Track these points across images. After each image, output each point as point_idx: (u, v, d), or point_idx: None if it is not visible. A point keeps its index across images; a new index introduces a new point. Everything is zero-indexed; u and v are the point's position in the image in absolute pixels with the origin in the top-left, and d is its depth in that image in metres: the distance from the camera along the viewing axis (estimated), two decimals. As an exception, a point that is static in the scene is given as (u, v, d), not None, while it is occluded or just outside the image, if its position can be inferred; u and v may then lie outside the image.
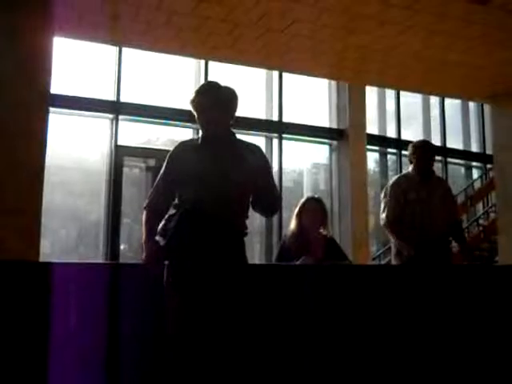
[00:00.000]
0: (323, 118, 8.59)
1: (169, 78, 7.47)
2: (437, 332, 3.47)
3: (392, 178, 4.57)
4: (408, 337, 3.40)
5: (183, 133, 7.59)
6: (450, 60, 5.90)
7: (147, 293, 2.84)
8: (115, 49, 7.01)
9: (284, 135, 8.09)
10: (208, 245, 2.59)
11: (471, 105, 10.49)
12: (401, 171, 8.43)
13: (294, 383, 3.10)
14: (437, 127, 9.93)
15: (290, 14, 4.89)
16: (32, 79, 4.39)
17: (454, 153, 9.92)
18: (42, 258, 4.97)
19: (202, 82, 7.38)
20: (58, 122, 6.39)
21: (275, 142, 8.08)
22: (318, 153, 8.84)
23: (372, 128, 8.85)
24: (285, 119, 8.14)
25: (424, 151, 4.25)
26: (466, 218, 9.64)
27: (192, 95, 2.79)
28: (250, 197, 2.76)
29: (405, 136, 9.27)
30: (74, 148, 7.08)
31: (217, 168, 2.66)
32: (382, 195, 4.34)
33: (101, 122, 7.10)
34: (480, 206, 10.25)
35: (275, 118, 8.13)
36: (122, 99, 7.07)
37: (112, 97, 7.05)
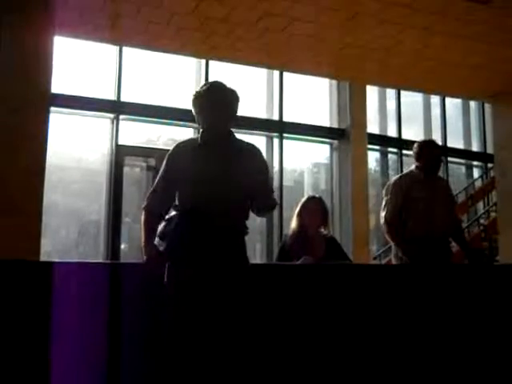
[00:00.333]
0: (324, 117, 8.59)
1: (169, 77, 7.47)
2: (437, 331, 3.47)
3: (394, 177, 4.55)
4: (408, 336, 3.40)
5: (184, 132, 7.60)
6: (450, 59, 5.90)
7: (148, 292, 2.84)
8: (116, 48, 7.01)
9: (285, 134, 8.09)
10: (208, 245, 2.59)
11: (472, 104, 10.48)
12: (401, 170, 8.43)
13: (294, 382, 3.10)
14: (437, 126, 9.92)
15: (289, 13, 4.90)
16: (33, 79, 4.40)
17: (455, 152, 9.91)
18: (43, 258, 4.98)
19: (203, 81, 7.38)
20: (59, 122, 6.39)
21: (276, 141, 8.08)
22: (319, 152, 8.84)
23: (373, 127, 8.85)
24: (285, 118, 8.13)
25: (431, 151, 4.24)
26: (467, 217, 9.64)
27: (193, 95, 2.79)
28: (248, 196, 2.76)
29: (405, 135, 9.27)
30: (75, 147, 7.08)
31: (216, 168, 2.66)
32: (384, 193, 4.32)
33: (101, 122, 7.11)
34: (481, 205, 10.25)
35: (276, 117, 8.13)
36: (123, 99, 7.07)
37: (113, 96, 7.05)
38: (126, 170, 7.05)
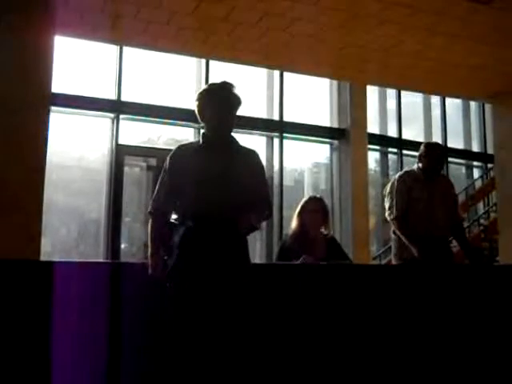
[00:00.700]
0: (324, 117, 8.59)
1: (170, 77, 7.47)
2: (437, 331, 3.47)
3: (396, 174, 4.54)
4: (409, 336, 3.41)
5: (184, 132, 7.60)
6: (451, 59, 5.90)
7: (148, 292, 2.84)
8: (116, 48, 7.01)
9: (285, 134, 8.09)
10: (212, 248, 2.60)
11: (472, 104, 10.48)
12: (402, 170, 8.42)
13: (295, 382, 3.10)
14: (438, 127, 9.92)
15: (290, 13, 4.90)
16: (33, 78, 4.40)
17: (455, 152, 9.90)
18: (43, 257, 4.98)
19: (203, 81, 7.40)
20: (59, 121, 6.39)
21: (276, 141, 8.08)
22: (319, 152, 8.84)
23: (373, 127, 8.84)
24: (286, 118, 8.13)
25: (436, 153, 4.25)
26: (467, 217, 9.63)
27: (197, 96, 2.79)
28: (251, 196, 2.76)
29: (406, 135, 9.27)
30: (75, 147, 7.08)
31: (219, 169, 2.66)
32: (388, 190, 4.31)
33: (102, 121, 7.11)
34: (481, 205, 10.25)
35: (276, 117, 8.12)
36: (123, 98, 7.07)
37: (113, 96, 7.05)
38: (126, 169, 7.05)
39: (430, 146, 4.31)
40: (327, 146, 8.62)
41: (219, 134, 2.75)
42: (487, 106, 9.63)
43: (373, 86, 8.47)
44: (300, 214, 3.99)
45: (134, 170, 7.38)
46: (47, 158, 4.51)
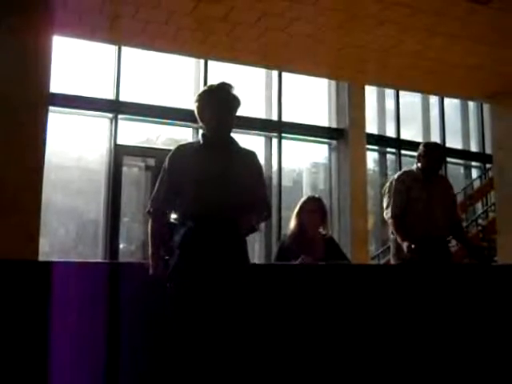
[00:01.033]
0: (323, 117, 8.60)
1: (168, 77, 7.47)
2: (436, 331, 3.47)
3: (396, 174, 4.54)
4: (407, 336, 3.41)
5: (182, 132, 7.61)
6: (450, 60, 5.91)
7: (146, 292, 2.84)
8: (115, 48, 7.01)
9: (283, 135, 8.09)
10: (212, 248, 2.60)
11: (470, 104, 10.49)
12: (400, 170, 8.42)
13: (294, 381, 3.10)
14: (436, 127, 9.94)
15: (289, 13, 4.90)
16: (32, 78, 4.40)
17: (453, 152, 9.92)
18: (42, 257, 4.98)
19: (202, 81, 7.40)
20: (58, 121, 6.39)
21: (275, 141, 8.08)
22: (318, 152, 8.84)
23: (371, 127, 8.85)
24: (284, 119, 8.14)
25: (435, 153, 4.25)
26: (465, 217, 9.64)
27: (196, 96, 2.79)
28: (250, 197, 2.76)
29: (404, 136, 9.28)
30: (74, 147, 7.08)
31: (218, 169, 2.66)
32: (386, 190, 4.31)
33: (100, 121, 7.11)
34: (479, 205, 10.26)
35: (275, 117, 8.13)
36: (122, 98, 7.07)
37: (111, 96, 7.05)
38: (124, 169, 7.05)
39: (429, 146, 4.31)
40: (326, 146, 8.63)
41: (219, 135, 2.75)
42: (485, 106, 9.64)
43: (371, 86, 8.48)
44: (298, 214, 3.99)
45: (132, 170, 7.38)
46: (46, 158, 4.50)
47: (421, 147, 4.30)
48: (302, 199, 4.10)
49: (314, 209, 3.98)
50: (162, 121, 7.43)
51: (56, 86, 5.56)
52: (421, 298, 3.48)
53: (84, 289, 2.89)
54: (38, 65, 4.47)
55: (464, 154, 10.34)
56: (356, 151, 8.24)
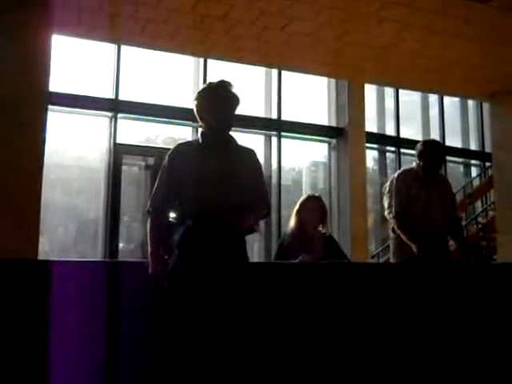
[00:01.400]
0: (322, 116, 8.58)
1: (168, 76, 7.46)
2: (436, 330, 3.47)
3: (395, 172, 4.53)
4: (407, 335, 3.41)
5: (182, 131, 7.60)
6: (449, 58, 5.91)
7: (146, 290, 2.84)
8: (114, 47, 6.99)
9: (283, 133, 8.08)
10: (211, 246, 2.60)
11: (470, 103, 10.48)
12: (400, 169, 8.42)
13: (293, 381, 3.10)
14: (436, 125, 9.92)
15: (288, 12, 4.90)
16: (31, 77, 4.39)
17: (453, 151, 9.90)
18: (41, 256, 4.97)
19: (201, 79, 7.39)
20: (57, 120, 6.39)
21: (274, 140, 8.07)
22: (317, 151, 8.83)
23: (371, 126, 8.83)
24: (284, 117, 8.12)
25: (434, 151, 4.25)
26: (465, 216, 9.64)
27: (196, 95, 2.78)
28: (250, 196, 2.76)
29: (404, 134, 9.28)
30: (73, 146, 7.07)
31: (218, 168, 2.66)
32: (387, 189, 4.31)
33: (100, 120, 7.10)
34: (479, 203, 10.25)
35: (274, 115, 8.12)
36: (121, 97, 7.06)
37: (111, 95, 7.04)
38: (124, 168, 7.04)
39: (427, 144, 4.30)
40: (325, 145, 8.61)
41: (218, 134, 2.75)
42: (485, 105, 9.63)
43: (371, 84, 8.47)
44: (298, 212, 3.99)
45: (132, 169, 7.38)
46: (45, 157, 4.50)
47: (419, 145, 4.29)
48: (302, 198, 4.10)
49: (313, 207, 3.99)
50: (162, 120, 7.42)
51: (55, 85, 5.55)
52: (420, 297, 3.48)
53: (83, 288, 2.89)
54: (37, 64, 4.47)
55: (463, 153, 10.33)
56: (356, 150, 8.23)
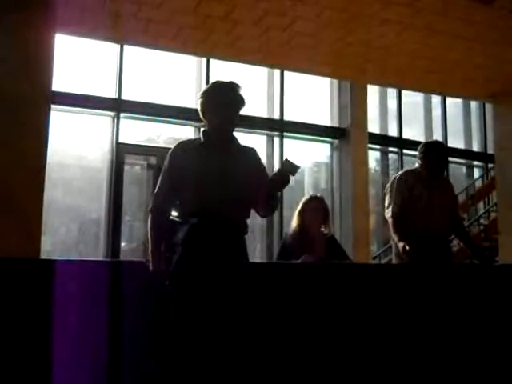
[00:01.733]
0: (325, 116, 8.59)
1: (170, 75, 7.47)
2: (437, 331, 3.47)
3: (397, 173, 4.53)
4: (408, 335, 3.41)
5: (184, 131, 7.60)
6: (450, 59, 5.90)
7: (148, 290, 2.84)
8: (117, 46, 7.01)
9: (285, 134, 8.09)
10: (212, 246, 2.60)
11: (473, 104, 10.48)
12: (402, 170, 8.42)
13: (294, 381, 3.10)
14: (438, 126, 9.92)
15: (290, 12, 4.90)
16: (33, 77, 4.39)
17: (456, 152, 9.90)
18: (43, 256, 4.98)
19: (204, 79, 7.40)
20: (60, 120, 6.39)
21: (276, 140, 8.08)
22: (320, 151, 8.84)
23: (373, 127, 8.85)
24: (286, 117, 8.13)
25: (440, 151, 4.24)
26: (467, 217, 9.63)
27: (201, 93, 2.78)
28: (251, 196, 2.76)
29: (406, 135, 9.27)
30: (75, 145, 7.09)
31: (219, 167, 2.66)
32: (388, 189, 4.31)
33: (102, 120, 7.11)
34: (481, 205, 10.24)
35: (276, 116, 8.13)
36: (124, 97, 7.07)
37: (113, 94, 7.05)
38: (126, 168, 7.05)
39: (432, 145, 4.29)
40: (328, 146, 8.62)
41: (220, 133, 2.74)
42: (488, 106, 9.62)
43: (373, 85, 8.47)
44: (300, 213, 3.99)
45: (134, 169, 7.39)
46: (47, 156, 4.50)
47: (422, 146, 4.29)
48: (304, 198, 4.10)
49: (315, 208, 3.99)
50: (164, 119, 7.43)
51: (58, 84, 5.56)
52: (422, 298, 3.48)
53: (85, 287, 2.89)
54: (39, 63, 4.47)
55: (466, 154, 10.32)
56: (358, 150, 8.24)
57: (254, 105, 7.78)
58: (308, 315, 3.21)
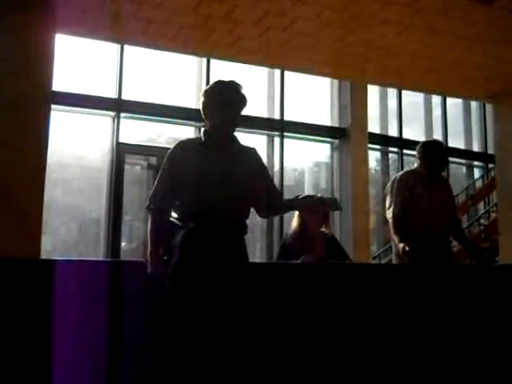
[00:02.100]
0: (325, 116, 8.59)
1: (170, 75, 7.48)
2: (437, 331, 3.47)
3: (397, 173, 4.53)
4: (409, 336, 3.41)
5: (184, 131, 7.60)
6: (451, 59, 5.90)
7: (148, 290, 2.84)
8: (117, 46, 7.01)
9: (285, 133, 8.09)
10: (211, 246, 2.60)
11: (473, 104, 10.47)
12: (402, 170, 8.42)
13: (294, 381, 3.10)
14: (438, 126, 9.92)
15: (291, 12, 4.90)
16: (34, 76, 4.40)
17: (456, 152, 9.90)
18: (43, 256, 4.98)
19: (204, 79, 7.41)
20: (60, 120, 6.40)
21: (277, 140, 8.08)
22: (320, 151, 8.84)
23: (374, 127, 8.85)
24: (286, 117, 8.13)
25: (440, 150, 4.24)
26: (467, 217, 9.63)
27: (203, 92, 2.78)
28: (251, 196, 2.76)
29: (406, 135, 9.27)
30: (76, 145, 7.09)
31: (219, 166, 2.66)
32: (388, 189, 4.31)
33: (102, 120, 7.11)
34: (481, 205, 10.24)
35: (277, 116, 8.13)
36: (124, 97, 7.08)
37: (114, 94, 7.06)
38: (126, 168, 7.05)
39: (431, 145, 4.29)
40: (328, 146, 8.62)
41: (221, 133, 2.74)
42: (488, 106, 9.62)
43: (374, 85, 8.47)
44: (300, 213, 3.99)
45: (134, 169, 7.39)
46: (48, 156, 4.51)
47: (421, 146, 4.29)
48: (304, 198, 4.09)
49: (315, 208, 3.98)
50: (164, 119, 7.43)
51: (58, 84, 5.56)
52: (423, 298, 3.48)
53: (85, 287, 2.89)
54: (40, 63, 4.47)
55: (466, 154, 10.32)
56: (358, 150, 8.24)
57: (255, 105, 7.78)
58: (308, 315, 3.21)
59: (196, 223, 2.61)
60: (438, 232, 4.11)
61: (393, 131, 9.30)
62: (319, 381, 3.16)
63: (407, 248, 3.92)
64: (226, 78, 2.81)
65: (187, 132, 7.54)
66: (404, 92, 9.21)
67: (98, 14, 4.87)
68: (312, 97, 8.58)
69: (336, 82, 8.51)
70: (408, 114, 9.43)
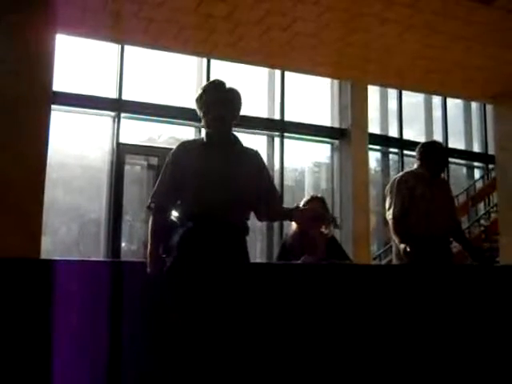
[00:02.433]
0: (325, 117, 8.59)
1: (171, 75, 7.48)
2: (438, 332, 3.47)
3: (397, 174, 4.53)
4: (409, 336, 3.40)
5: (185, 131, 7.60)
6: (451, 59, 5.90)
7: (148, 290, 2.84)
8: (117, 46, 7.01)
9: (286, 134, 8.09)
10: (211, 246, 2.59)
11: (473, 105, 10.47)
12: (402, 171, 8.42)
13: (294, 381, 3.10)
14: (439, 127, 9.92)
15: (291, 12, 4.90)
16: (34, 77, 4.40)
17: (456, 153, 9.90)
18: (43, 256, 4.98)
19: (204, 79, 7.40)
20: (60, 120, 6.40)
21: (277, 140, 8.08)
22: (320, 152, 8.84)
23: (374, 127, 8.84)
24: (287, 118, 8.13)
25: (438, 152, 4.24)
26: (468, 218, 9.63)
27: (198, 93, 2.78)
28: (251, 197, 2.76)
29: (407, 136, 9.27)
30: (76, 145, 7.09)
31: (220, 168, 2.65)
32: (388, 190, 4.30)
33: (103, 120, 7.11)
34: (481, 206, 10.24)
35: (277, 116, 8.12)
36: (124, 97, 7.07)
37: (114, 94, 7.05)
38: (126, 168, 7.05)
39: (432, 145, 4.29)
40: (328, 146, 8.62)
41: (219, 134, 2.74)
42: (488, 107, 9.62)
43: (374, 85, 8.47)
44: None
45: (134, 169, 7.39)
46: (48, 156, 4.51)
47: (421, 147, 4.29)
48: (305, 199, 4.10)
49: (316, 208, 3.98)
50: (165, 119, 7.43)
51: (58, 84, 5.57)
52: (423, 299, 3.48)
53: (86, 287, 2.89)
54: (40, 63, 4.48)
55: (467, 155, 10.32)
56: (358, 151, 8.24)
57: (255, 105, 7.78)
58: (308, 316, 3.21)
59: (195, 223, 2.61)
60: (438, 233, 4.11)
61: (393, 132, 9.30)
62: (319, 381, 3.16)
63: (408, 249, 3.91)
64: (222, 79, 2.80)
65: (187, 132, 7.54)
66: (404, 92, 9.20)
67: (99, 13, 4.87)
68: (312, 97, 8.58)
69: (336, 82, 8.50)
70: (408, 114, 9.43)
